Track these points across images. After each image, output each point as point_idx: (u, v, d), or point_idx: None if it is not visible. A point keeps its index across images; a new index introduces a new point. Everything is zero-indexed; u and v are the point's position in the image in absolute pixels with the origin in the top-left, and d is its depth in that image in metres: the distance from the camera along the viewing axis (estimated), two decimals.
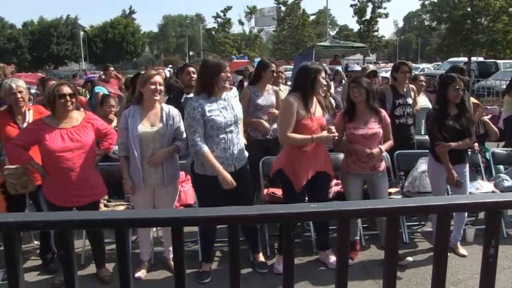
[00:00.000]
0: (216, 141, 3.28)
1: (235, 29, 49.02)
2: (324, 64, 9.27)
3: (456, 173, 3.65)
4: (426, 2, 27.30)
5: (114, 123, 4.70)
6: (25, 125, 3.51)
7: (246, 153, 3.55)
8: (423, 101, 5.29)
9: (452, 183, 3.67)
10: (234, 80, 12.06)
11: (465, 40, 23.93)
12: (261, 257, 3.74)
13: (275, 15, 38.60)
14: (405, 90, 4.78)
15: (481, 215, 4.44)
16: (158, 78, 3.36)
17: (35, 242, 4.19)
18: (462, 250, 3.91)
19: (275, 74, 4.45)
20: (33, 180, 3.42)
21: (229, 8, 38.07)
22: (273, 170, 3.65)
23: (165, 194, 3.53)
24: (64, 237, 1.19)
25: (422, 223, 4.63)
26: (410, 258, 3.72)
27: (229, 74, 3.37)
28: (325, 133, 3.45)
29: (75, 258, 1.23)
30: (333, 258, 3.68)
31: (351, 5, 34.21)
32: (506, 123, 6.15)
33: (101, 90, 6.59)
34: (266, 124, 4.32)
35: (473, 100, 5.24)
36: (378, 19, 34.14)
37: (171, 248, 3.51)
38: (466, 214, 4.07)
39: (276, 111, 4.22)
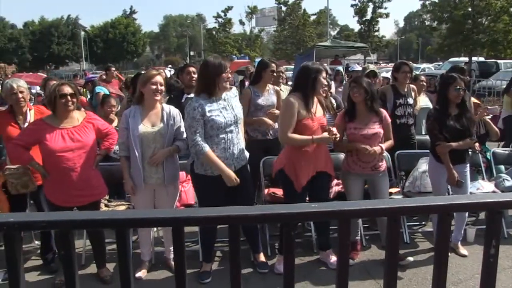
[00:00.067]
0: (216, 141, 3.28)
1: (236, 29, 48.98)
2: (325, 64, 9.26)
3: (457, 173, 3.65)
4: (427, 2, 27.26)
5: (115, 123, 4.71)
6: (26, 125, 3.51)
7: (247, 153, 3.55)
8: (424, 101, 5.29)
9: (453, 183, 3.67)
10: (235, 80, 12.06)
11: (466, 40, 23.88)
12: (262, 257, 3.74)
13: (276, 15, 38.59)
14: (406, 90, 4.78)
15: (482, 215, 4.43)
16: (159, 78, 3.36)
17: (36, 242, 4.19)
18: (463, 250, 3.91)
19: (275, 74, 4.45)
20: (33, 180, 3.43)
21: (230, 8, 38.10)
22: (275, 170, 3.65)
23: (165, 194, 3.53)
24: (64, 237, 1.19)
25: (423, 223, 4.63)
26: (410, 258, 3.72)
27: (229, 75, 3.37)
28: (325, 134, 3.45)
29: (75, 258, 1.23)
30: (333, 258, 3.68)
31: (352, 5, 34.19)
32: (505, 123, 6.15)
33: (101, 90, 6.60)
34: (269, 120, 4.30)
35: (473, 100, 5.24)
36: (379, 19, 34.12)
37: (171, 248, 3.52)
38: (466, 214, 4.07)
39: (277, 111, 4.22)
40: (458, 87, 3.63)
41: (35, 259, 3.94)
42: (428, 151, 4.00)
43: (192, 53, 64.11)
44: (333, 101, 5.00)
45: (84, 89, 8.20)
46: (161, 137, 3.40)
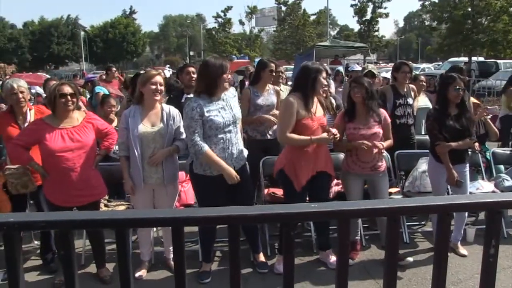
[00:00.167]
0: (214, 141, 3.28)
1: (236, 29, 49.04)
2: (325, 64, 9.26)
3: (457, 173, 3.65)
4: (427, 3, 27.29)
5: (115, 123, 4.71)
6: (26, 125, 3.51)
7: (246, 153, 3.55)
8: (424, 101, 5.28)
9: (453, 183, 3.67)
10: (235, 80, 12.06)
11: (465, 40, 23.90)
12: (262, 257, 3.74)
13: (275, 15, 38.56)
14: (405, 90, 4.78)
15: (482, 215, 4.44)
16: (158, 78, 3.37)
17: (36, 242, 4.19)
18: (462, 250, 3.91)
19: (274, 74, 4.45)
20: (33, 180, 3.43)
21: (229, 8, 38.02)
22: (275, 170, 3.65)
23: (165, 194, 3.53)
24: (64, 237, 1.19)
25: (423, 223, 4.63)
26: (410, 259, 3.72)
27: (229, 75, 3.38)
28: (324, 134, 3.45)
29: (75, 258, 1.23)
30: (333, 258, 3.68)
31: (352, 5, 34.14)
32: (502, 122, 6.17)
33: (101, 90, 6.59)
34: (269, 117, 4.30)
35: (473, 100, 5.24)
36: (379, 19, 34.07)
37: (171, 248, 3.52)
38: (466, 214, 4.07)
39: (276, 112, 4.22)
40: (457, 87, 3.63)
41: (34, 259, 3.94)
42: (427, 151, 4.00)
43: (192, 53, 64.10)
44: (333, 101, 5.00)
45: (84, 89, 8.20)
46: (160, 137, 3.40)
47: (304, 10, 35.91)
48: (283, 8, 37.19)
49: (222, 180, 3.29)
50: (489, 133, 4.87)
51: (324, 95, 4.09)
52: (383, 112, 3.82)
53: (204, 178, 3.36)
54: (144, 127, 3.37)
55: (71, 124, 3.29)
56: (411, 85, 4.97)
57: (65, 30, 54.17)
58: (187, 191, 4.02)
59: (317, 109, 3.56)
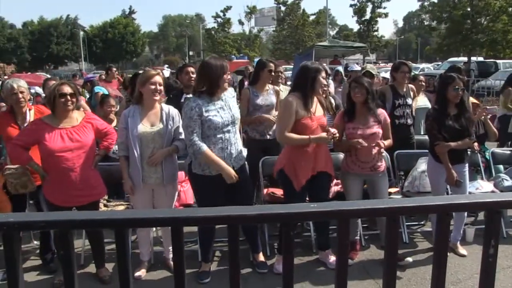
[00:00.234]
0: (213, 141, 3.28)
1: (235, 29, 49.09)
2: (324, 64, 9.26)
3: (456, 173, 3.66)
4: (426, 3, 27.32)
5: (114, 123, 4.70)
6: (26, 125, 3.51)
7: (245, 153, 3.55)
8: (423, 101, 5.29)
9: (452, 183, 3.67)
10: (234, 80, 12.07)
11: (465, 40, 23.94)
12: (261, 257, 3.74)
13: (275, 15, 38.60)
14: (404, 90, 4.78)
15: (481, 215, 4.44)
16: (158, 78, 3.37)
17: (35, 242, 4.19)
18: (462, 250, 3.92)
19: (273, 73, 4.44)
20: (32, 180, 3.42)
21: (229, 8, 38.04)
22: (275, 170, 3.65)
23: (164, 194, 3.53)
24: (64, 237, 1.19)
25: (422, 223, 4.63)
26: (410, 259, 3.73)
27: (229, 76, 3.38)
28: (323, 134, 3.45)
29: (74, 258, 1.23)
30: (333, 258, 3.68)
31: (351, 5, 34.16)
32: (500, 122, 6.18)
33: (100, 90, 6.59)
34: (269, 116, 4.30)
35: (472, 100, 5.24)
36: (378, 19, 34.09)
37: (170, 248, 3.52)
38: (465, 214, 4.08)
39: (276, 113, 4.22)
40: (457, 87, 3.63)
41: (34, 259, 3.94)
42: (427, 151, 4.00)
43: (191, 53, 64.09)
44: (332, 101, 5.00)
45: (83, 89, 8.20)
46: (160, 137, 3.40)
47: (304, 10, 35.98)
48: (283, 8, 37.24)
49: (221, 180, 3.29)
50: (488, 133, 4.87)
51: (324, 95, 4.09)
52: (383, 112, 3.81)
53: (203, 178, 3.36)
54: (144, 127, 3.37)
55: (70, 124, 3.28)
56: (410, 85, 4.97)
57: (64, 30, 54.15)
58: (186, 191, 4.02)
59: (317, 109, 3.56)
